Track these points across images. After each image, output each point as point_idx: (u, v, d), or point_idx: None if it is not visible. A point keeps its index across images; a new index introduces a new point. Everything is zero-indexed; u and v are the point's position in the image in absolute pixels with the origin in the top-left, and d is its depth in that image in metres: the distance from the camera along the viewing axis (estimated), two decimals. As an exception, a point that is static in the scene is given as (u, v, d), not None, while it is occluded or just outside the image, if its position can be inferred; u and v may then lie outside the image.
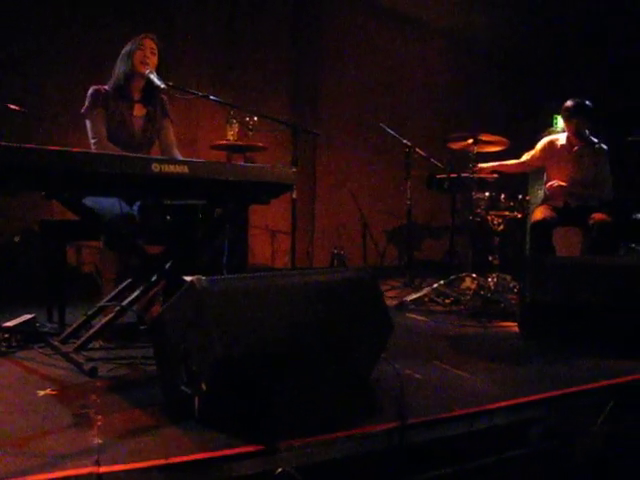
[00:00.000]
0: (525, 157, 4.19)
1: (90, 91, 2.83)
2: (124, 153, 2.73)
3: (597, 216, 3.68)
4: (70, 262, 3.87)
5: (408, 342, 2.76)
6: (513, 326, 3.14)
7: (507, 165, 4.20)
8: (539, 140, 4.19)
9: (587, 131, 3.93)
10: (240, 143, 4.06)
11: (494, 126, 4.27)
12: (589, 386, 2.10)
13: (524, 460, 1.81)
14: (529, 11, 5.61)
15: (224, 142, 4.06)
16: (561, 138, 4.06)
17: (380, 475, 1.61)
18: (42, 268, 3.08)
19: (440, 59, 6.23)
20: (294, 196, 3.23)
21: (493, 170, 4.11)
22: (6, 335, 2.45)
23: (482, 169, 4.07)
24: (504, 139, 3.99)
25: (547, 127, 5.60)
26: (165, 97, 3.05)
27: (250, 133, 4.04)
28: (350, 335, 1.87)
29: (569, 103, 3.90)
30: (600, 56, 5.70)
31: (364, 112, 5.63)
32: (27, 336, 2.51)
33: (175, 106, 3.10)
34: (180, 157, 2.97)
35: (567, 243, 4.36)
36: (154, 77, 2.74)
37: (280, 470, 1.43)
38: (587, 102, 3.87)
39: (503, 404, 1.87)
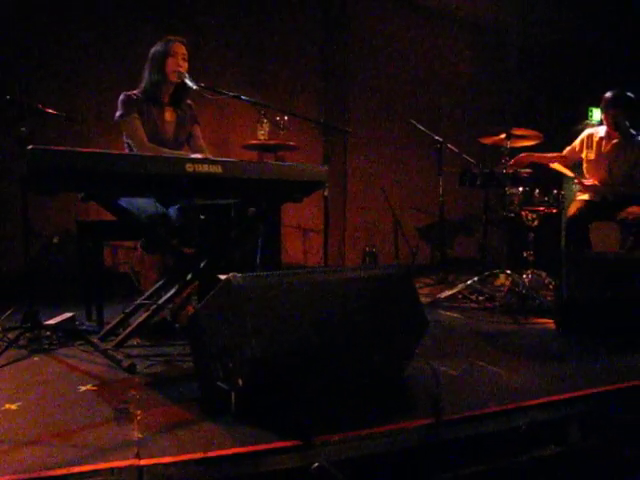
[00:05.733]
0: (566, 150, 4.13)
1: (121, 97, 2.81)
2: (169, 152, 2.76)
3: (636, 210, 3.60)
4: (106, 262, 3.95)
5: (443, 339, 2.75)
6: (549, 323, 3.10)
7: (549, 157, 4.13)
8: (573, 133, 4.10)
9: (627, 123, 3.82)
10: (271, 142, 4.08)
11: (527, 120, 4.20)
12: (629, 384, 2.05)
13: (562, 458, 1.78)
14: (562, 2, 5.50)
15: (255, 142, 4.09)
16: (600, 131, 3.98)
17: (415, 471, 1.61)
18: (80, 268, 3.15)
19: (470, 53, 6.16)
20: (326, 194, 3.23)
21: (534, 162, 4.04)
22: (48, 333, 2.53)
23: (525, 157, 4.00)
24: (538, 133, 3.91)
25: (582, 120, 5.48)
26: (192, 103, 3.07)
27: (281, 132, 4.06)
28: (385, 331, 1.87)
29: (608, 94, 3.81)
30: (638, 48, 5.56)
31: (394, 108, 5.60)
32: (67, 334, 2.58)
33: (206, 107, 3.13)
34: None
35: (604, 238, 4.27)
36: (188, 80, 2.76)
37: (316, 465, 1.44)
38: (628, 94, 3.77)
39: (541, 401, 1.85)
